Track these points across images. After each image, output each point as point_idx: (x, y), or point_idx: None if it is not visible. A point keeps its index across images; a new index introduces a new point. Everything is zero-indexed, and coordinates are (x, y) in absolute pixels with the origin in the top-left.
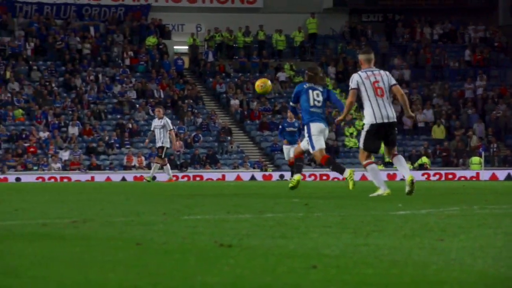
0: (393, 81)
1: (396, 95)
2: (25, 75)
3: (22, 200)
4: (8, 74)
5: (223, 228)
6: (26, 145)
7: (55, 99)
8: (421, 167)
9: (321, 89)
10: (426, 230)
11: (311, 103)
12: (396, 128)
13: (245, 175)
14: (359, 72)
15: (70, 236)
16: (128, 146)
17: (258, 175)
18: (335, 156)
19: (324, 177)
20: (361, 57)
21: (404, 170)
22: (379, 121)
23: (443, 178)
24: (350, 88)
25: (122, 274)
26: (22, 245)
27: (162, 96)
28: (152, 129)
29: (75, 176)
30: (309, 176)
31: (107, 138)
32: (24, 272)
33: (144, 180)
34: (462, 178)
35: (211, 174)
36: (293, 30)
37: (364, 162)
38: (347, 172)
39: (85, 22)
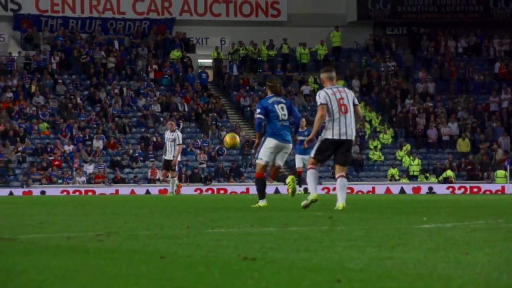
0: (356, 101)
1: (355, 114)
2: (50, 89)
3: (46, 213)
4: (33, 88)
5: (247, 241)
6: (51, 158)
7: (80, 113)
8: (446, 180)
9: (283, 101)
10: (451, 243)
11: (280, 117)
12: (351, 148)
13: (269, 188)
14: (325, 89)
15: (94, 249)
16: (152, 160)
17: (282, 188)
18: (359, 169)
19: (348, 191)
20: (323, 75)
21: (341, 194)
22: (335, 137)
23: (468, 192)
24: (319, 104)
25: None
26: (46, 259)
27: (186, 109)
28: (166, 141)
29: (100, 189)
30: (333, 189)
31: (131, 151)
32: (48, 285)
33: (169, 193)
34: (487, 192)
35: (235, 187)
36: (317, 44)
37: (309, 165)
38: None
39: (110, 36)
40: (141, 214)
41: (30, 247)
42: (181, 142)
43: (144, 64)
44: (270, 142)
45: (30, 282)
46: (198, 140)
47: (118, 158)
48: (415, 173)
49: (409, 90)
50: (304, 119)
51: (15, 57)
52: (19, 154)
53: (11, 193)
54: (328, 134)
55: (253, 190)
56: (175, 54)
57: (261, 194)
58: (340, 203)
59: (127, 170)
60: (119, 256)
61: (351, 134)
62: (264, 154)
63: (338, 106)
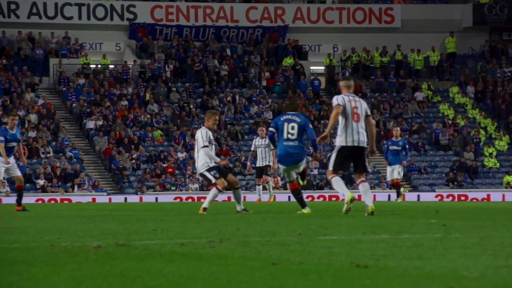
0: (369, 112)
1: (368, 125)
2: (164, 97)
3: (160, 220)
4: (147, 96)
5: (359, 248)
6: (164, 165)
7: (193, 120)
8: None
9: (298, 120)
10: None
11: (285, 136)
12: (365, 154)
13: (382, 195)
14: (342, 95)
15: (207, 255)
16: None
17: (394, 196)
18: (474, 176)
19: (463, 198)
20: (341, 83)
21: (367, 198)
22: (349, 144)
23: None
24: (335, 105)
25: None
26: (160, 265)
27: None
28: (252, 149)
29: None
30: (447, 196)
31: (243, 158)
32: None
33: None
34: None
35: None
36: (431, 50)
37: (330, 176)
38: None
39: (223, 43)
40: (253, 220)
41: (145, 253)
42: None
43: (257, 72)
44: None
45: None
46: (310, 147)
47: (231, 165)
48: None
49: None
50: (398, 129)
51: (130, 66)
52: (134, 161)
53: (125, 200)
54: (342, 142)
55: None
56: (288, 61)
57: (302, 202)
58: (369, 206)
59: (239, 177)
60: (232, 263)
61: (364, 141)
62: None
63: (352, 113)
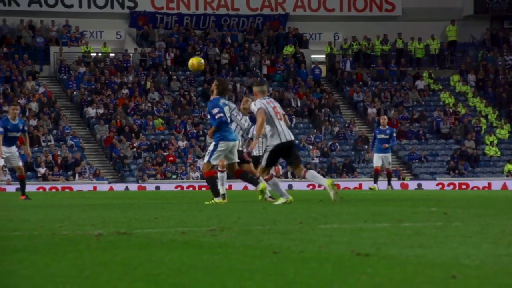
0: (282, 111)
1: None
2: (165, 85)
3: (161, 208)
4: (148, 84)
5: (360, 237)
6: (165, 154)
7: (194, 109)
8: None
9: (227, 103)
10: None
11: (228, 119)
12: (296, 147)
13: (382, 184)
14: (258, 100)
15: (208, 244)
16: None
17: (396, 184)
18: (475, 164)
19: (464, 186)
20: (256, 89)
21: (320, 180)
22: (283, 140)
23: None
24: (257, 111)
25: (260, 282)
26: (161, 253)
27: (299, 105)
28: (250, 136)
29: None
30: (448, 185)
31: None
32: (163, 279)
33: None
34: None
35: (347, 183)
36: (431, 38)
37: (266, 177)
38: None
39: (224, 32)
40: (254, 209)
41: (146, 241)
42: None
43: (257, 60)
44: (223, 146)
45: (145, 276)
46: (311, 136)
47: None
48: (303, 178)
49: None
50: (386, 117)
51: (131, 54)
52: (135, 149)
53: (127, 188)
54: (275, 141)
55: (366, 185)
56: (288, 49)
57: (215, 192)
58: (328, 181)
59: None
60: (233, 251)
61: (291, 135)
62: (214, 159)
63: (274, 113)
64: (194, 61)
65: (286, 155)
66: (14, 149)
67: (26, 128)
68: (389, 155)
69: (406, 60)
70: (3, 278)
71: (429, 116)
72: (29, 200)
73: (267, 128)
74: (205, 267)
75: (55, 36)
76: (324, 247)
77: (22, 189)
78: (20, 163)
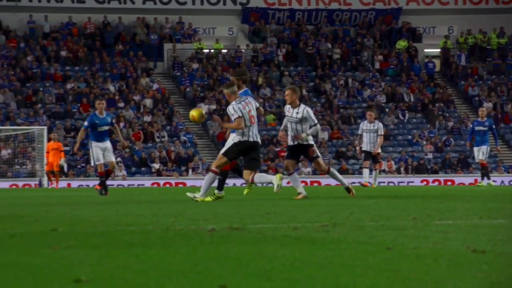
0: (257, 104)
1: (259, 113)
2: (276, 81)
3: (273, 204)
4: (260, 80)
5: (475, 233)
6: (277, 149)
7: (306, 104)
8: None
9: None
10: None
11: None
12: (259, 150)
13: (498, 179)
14: (236, 104)
15: (320, 239)
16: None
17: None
18: None
19: None
20: (227, 91)
21: (266, 178)
22: (245, 138)
23: None
24: (236, 118)
25: (373, 279)
26: (274, 248)
27: (412, 99)
28: (359, 132)
29: (325, 180)
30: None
31: (356, 142)
32: (276, 275)
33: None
34: None
35: (462, 179)
36: None
37: (215, 167)
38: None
39: (336, 27)
40: (366, 205)
41: (258, 236)
42: (383, 133)
43: (370, 55)
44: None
45: (258, 271)
46: (425, 131)
47: (343, 149)
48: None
49: None
50: (484, 109)
51: (243, 50)
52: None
53: (234, 184)
54: (244, 137)
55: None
56: (401, 44)
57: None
58: (277, 176)
59: (352, 161)
60: (346, 247)
61: (258, 138)
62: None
63: (249, 118)
64: (195, 113)
65: (245, 153)
66: (107, 143)
67: (114, 121)
68: (486, 147)
69: None
70: (119, 272)
71: None
72: (104, 197)
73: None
74: (317, 263)
75: (169, 33)
76: (439, 244)
77: (104, 181)
78: (113, 159)
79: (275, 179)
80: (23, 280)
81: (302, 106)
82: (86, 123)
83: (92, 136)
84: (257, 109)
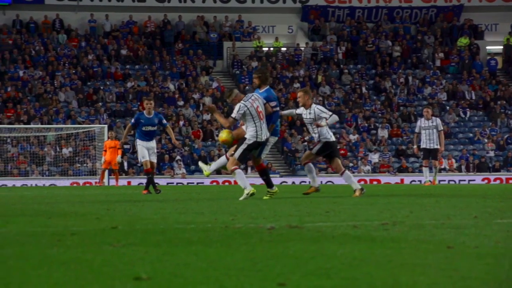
0: (265, 100)
1: (267, 109)
2: (336, 79)
3: (333, 202)
4: (319, 78)
5: None
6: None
7: (365, 102)
8: None
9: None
10: None
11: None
12: (265, 145)
13: None
14: (244, 101)
15: (380, 238)
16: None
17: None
18: None
19: None
20: (229, 100)
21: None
22: (259, 139)
23: None
24: (234, 116)
25: (433, 278)
26: (333, 247)
27: (474, 97)
28: (417, 130)
29: (385, 178)
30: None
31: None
32: (335, 273)
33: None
34: None
35: None
36: None
37: (232, 168)
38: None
39: (396, 24)
40: (426, 203)
41: (317, 235)
42: (442, 128)
43: (430, 52)
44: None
45: (317, 269)
46: (486, 129)
47: (403, 147)
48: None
49: None
50: None
51: (303, 48)
52: (306, 143)
53: (293, 183)
54: (253, 138)
55: None
56: (463, 41)
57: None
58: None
59: (412, 159)
60: (405, 246)
61: (268, 135)
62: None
63: (257, 114)
64: (224, 135)
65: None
66: (152, 143)
67: (164, 121)
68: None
69: None
70: (179, 270)
71: None
72: (150, 194)
73: (248, 122)
74: (377, 261)
75: (228, 31)
76: (501, 242)
77: (148, 183)
78: (154, 159)
79: (249, 190)
80: (84, 277)
81: (313, 105)
82: (133, 120)
83: (137, 134)
84: (265, 105)
